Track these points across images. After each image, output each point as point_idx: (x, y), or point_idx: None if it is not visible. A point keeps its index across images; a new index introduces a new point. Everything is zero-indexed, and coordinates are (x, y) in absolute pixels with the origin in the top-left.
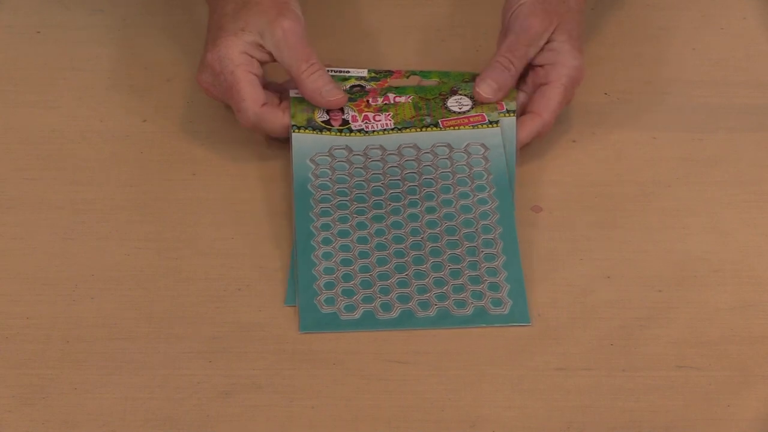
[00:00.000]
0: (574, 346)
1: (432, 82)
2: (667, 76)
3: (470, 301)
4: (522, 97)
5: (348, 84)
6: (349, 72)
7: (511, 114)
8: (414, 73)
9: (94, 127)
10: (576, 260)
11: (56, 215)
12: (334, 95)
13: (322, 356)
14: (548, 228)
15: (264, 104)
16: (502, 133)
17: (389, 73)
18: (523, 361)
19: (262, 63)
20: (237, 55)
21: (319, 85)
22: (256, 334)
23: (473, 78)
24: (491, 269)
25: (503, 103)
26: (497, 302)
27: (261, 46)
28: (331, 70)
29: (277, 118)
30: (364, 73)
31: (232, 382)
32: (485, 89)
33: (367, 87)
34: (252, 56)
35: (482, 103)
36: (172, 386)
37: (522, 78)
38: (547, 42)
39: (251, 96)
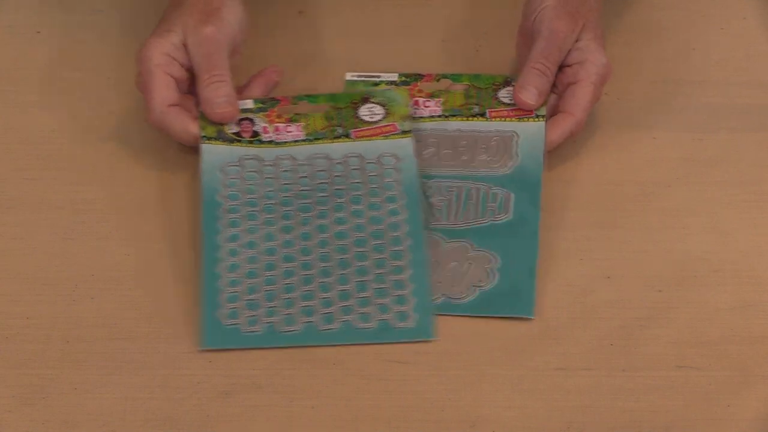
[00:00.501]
0: (574, 346)
1: (460, 86)
2: (667, 76)
3: (375, 315)
4: (552, 98)
5: (379, 89)
6: (379, 76)
7: (541, 119)
8: (444, 76)
9: (94, 127)
10: (576, 260)
11: (56, 215)
12: (222, 108)
13: (322, 356)
14: (548, 228)
15: (172, 105)
16: (532, 137)
17: (419, 76)
18: (523, 361)
19: (187, 68)
20: (158, 56)
21: (213, 95)
22: None
23: (504, 81)
24: (398, 282)
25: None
26: (402, 316)
27: (186, 47)
28: (362, 75)
29: (180, 121)
30: (394, 77)
31: (232, 382)
32: (529, 96)
33: (402, 89)
34: (174, 58)
35: (522, 110)
36: (172, 386)
37: None
38: (575, 41)
39: (160, 94)
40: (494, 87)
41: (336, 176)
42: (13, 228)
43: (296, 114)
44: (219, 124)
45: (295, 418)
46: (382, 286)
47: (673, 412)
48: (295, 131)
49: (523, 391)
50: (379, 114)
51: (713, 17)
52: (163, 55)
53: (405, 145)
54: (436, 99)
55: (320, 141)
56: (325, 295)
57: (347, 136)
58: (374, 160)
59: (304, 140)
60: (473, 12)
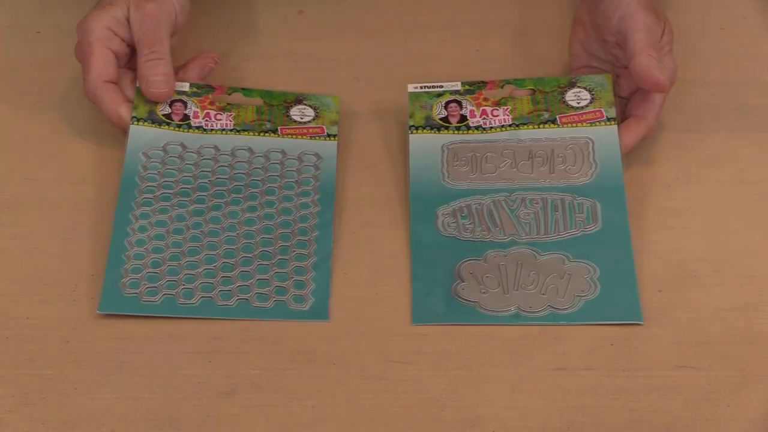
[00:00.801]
0: (574, 346)
1: (525, 91)
2: None
3: (273, 295)
4: (618, 102)
5: (443, 100)
6: (442, 86)
7: (612, 122)
8: (508, 82)
9: (94, 127)
10: None
11: (56, 215)
12: (158, 87)
13: (322, 356)
14: None
15: (108, 81)
16: (607, 142)
17: (483, 84)
18: (523, 361)
19: (128, 43)
20: (99, 29)
21: (150, 72)
22: (256, 334)
23: (570, 83)
24: (300, 268)
25: (603, 110)
26: (299, 299)
27: (128, 22)
28: (425, 86)
29: (112, 99)
30: (457, 86)
31: (232, 382)
32: (662, 74)
33: (460, 101)
34: (116, 33)
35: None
36: (172, 386)
37: (616, 82)
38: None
39: (97, 69)
40: (560, 89)
41: (255, 168)
42: (13, 228)
43: (228, 104)
44: (153, 102)
45: (295, 418)
46: (283, 270)
47: (673, 412)
48: (224, 120)
49: (523, 391)
50: (309, 116)
51: (713, 17)
52: (105, 29)
53: (329, 146)
54: (504, 107)
55: (247, 133)
56: (226, 274)
57: (274, 131)
58: (295, 157)
59: (231, 130)
60: (473, 12)
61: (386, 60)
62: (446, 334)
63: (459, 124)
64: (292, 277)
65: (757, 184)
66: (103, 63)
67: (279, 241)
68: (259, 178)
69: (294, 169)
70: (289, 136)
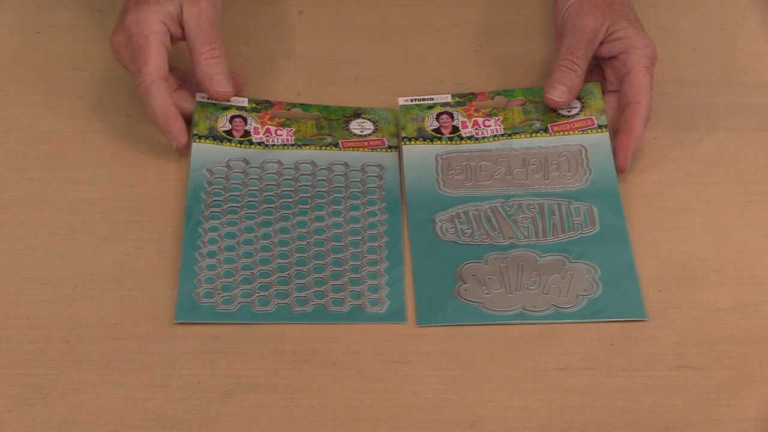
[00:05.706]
0: (574, 346)
1: (516, 101)
2: (667, 76)
3: (348, 299)
4: (613, 99)
5: (434, 112)
6: (433, 99)
7: (604, 129)
8: (498, 93)
9: (94, 127)
10: None
11: (56, 215)
12: (221, 86)
13: (322, 356)
14: None
15: (163, 78)
16: (600, 148)
17: (473, 96)
18: (523, 361)
19: (175, 39)
20: (155, 23)
21: (212, 71)
22: (256, 334)
23: None
24: (373, 273)
25: (594, 118)
26: (375, 302)
27: (179, 19)
28: (415, 99)
29: (164, 99)
30: (447, 98)
31: (232, 382)
32: (557, 93)
33: (452, 113)
34: (168, 29)
35: (555, 109)
36: (172, 386)
37: (604, 78)
38: (611, 33)
39: (156, 62)
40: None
41: (319, 180)
42: (13, 228)
43: (288, 119)
44: (215, 100)
45: (295, 418)
46: (357, 275)
47: (673, 412)
48: (285, 135)
49: (523, 391)
50: (369, 129)
51: (713, 17)
52: (160, 23)
53: (391, 157)
54: (496, 117)
55: (309, 147)
56: (299, 281)
57: (335, 145)
58: (358, 168)
59: (293, 145)
60: (473, 12)
61: (386, 60)
62: (446, 334)
63: (451, 135)
64: (366, 282)
65: (757, 184)
66: (160, 58)
67: (350, 248)
68: (324, 190)
69: (358, 180)
70: (351, 149)
